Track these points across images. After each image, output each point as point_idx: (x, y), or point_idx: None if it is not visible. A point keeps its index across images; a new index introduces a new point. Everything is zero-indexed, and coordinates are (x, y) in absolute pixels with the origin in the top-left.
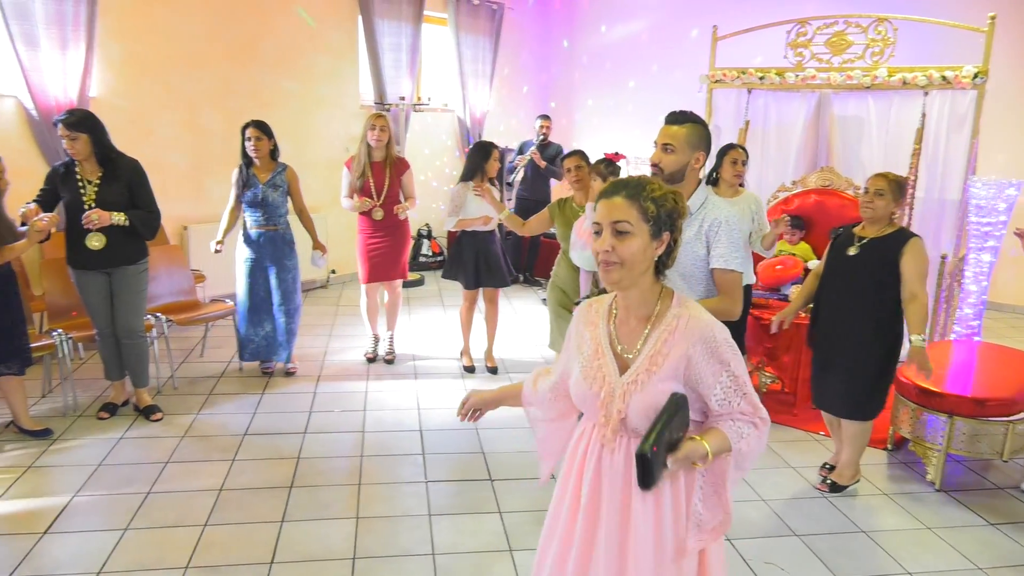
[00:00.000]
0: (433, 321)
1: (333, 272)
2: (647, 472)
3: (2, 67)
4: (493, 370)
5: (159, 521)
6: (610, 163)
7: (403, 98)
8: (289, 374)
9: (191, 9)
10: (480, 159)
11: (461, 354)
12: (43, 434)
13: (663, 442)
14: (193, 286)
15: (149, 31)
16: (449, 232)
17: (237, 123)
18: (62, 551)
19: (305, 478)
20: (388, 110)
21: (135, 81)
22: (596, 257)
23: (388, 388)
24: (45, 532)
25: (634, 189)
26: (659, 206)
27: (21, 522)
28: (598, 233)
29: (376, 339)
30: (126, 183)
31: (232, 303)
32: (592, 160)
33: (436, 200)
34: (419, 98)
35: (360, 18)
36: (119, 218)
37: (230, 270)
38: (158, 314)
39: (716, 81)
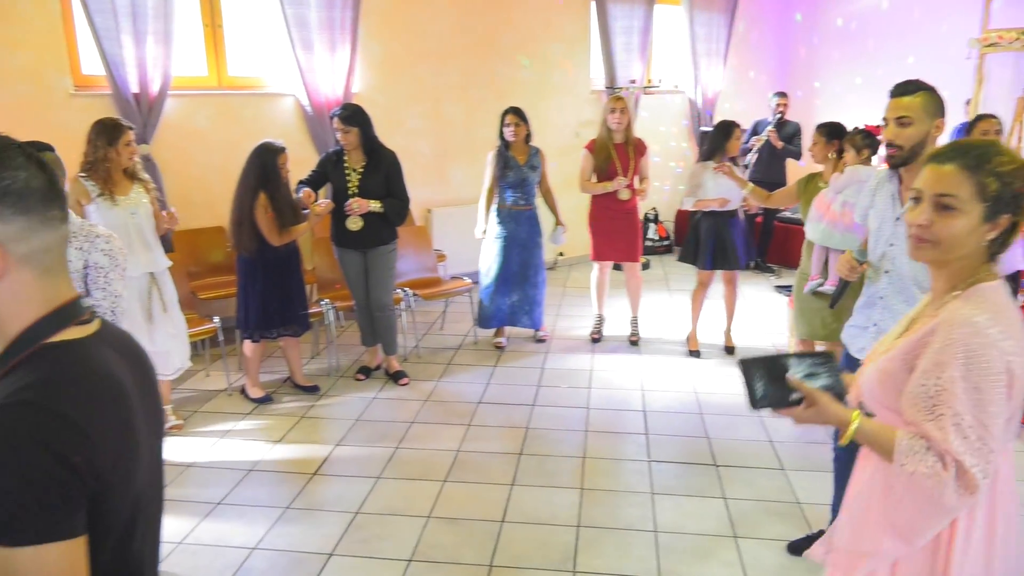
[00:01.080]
0: (659, 304)
1: (561, 255)
2: (747, 386)
3: (283, 70)
4: (730, 350)
5: (406, 473)
6: (868, 135)
7: (633, 81)
8: (540, 341)
9: (440, 8)
10: (721, 138)
11: (688, 338)
12: (312, 390)
13: (778, 374)
14: (436, 264)
15: (403, 31)
16: (684, 213)
17: (477, 113)
18: (328, 491)
19: (533, 447)
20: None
21: (390, 77)
22: (908, 228)
23: (613, 368)
24: (314, 473)
25: (975, 158)
26: (1004, 183)
27: (296, 463)
28: (916, 200)
29: (601, 319)
30: (385, 173)
31: (470, 280)
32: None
33: (665, 183)
34: (649, 80)
35: (593, 3)
36: (375, 205)
37: (468, 250)
38: (405, 289)
39: (989, 45)
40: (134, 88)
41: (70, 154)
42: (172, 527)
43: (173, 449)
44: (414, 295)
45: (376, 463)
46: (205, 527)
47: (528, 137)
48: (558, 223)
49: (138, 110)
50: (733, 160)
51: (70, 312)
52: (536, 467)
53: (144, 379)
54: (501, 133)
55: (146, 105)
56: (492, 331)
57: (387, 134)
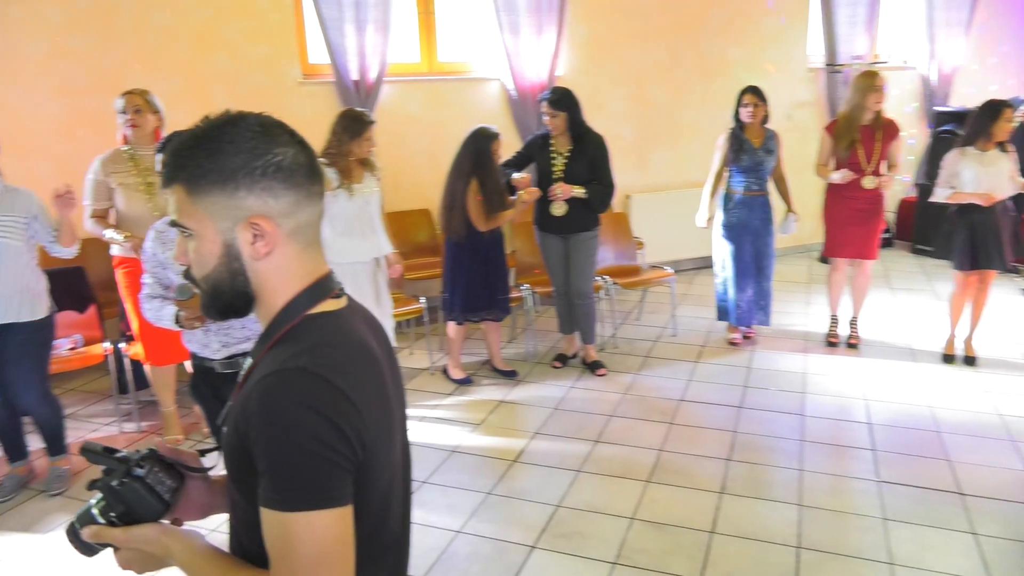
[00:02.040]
0: (880, 304)
1: None
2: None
3: (490, 55)
4: (970, 360)
5: (606, 470)
6: None
7: (859, 57)
8: (745, 338)
9: None
10: (987, 119)
11: (947, 342)
12: (511, 374)
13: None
14: (635, 252)
15: (610, 10)
16: (908, 203)
17: (681, 95)
18: (528, 480)
19: (742, 453)
20: (839, 71)
21: (594, 59)
22: None
23: (829, 372)
24: (515, 460)
25: None
26: None
27: (496, 449)
28: None
29: (835, 320)
30: (591, 158)
31: (671, 271)
32: None
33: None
34: (876, 56)
35: None
36: (579, 191)
37: (667, 238)
38: (605, 277)
39: None
40: (354, 75)
41: None
42: None
43: None
44: (613, 283)
45: (575, 456)
46: (413, 504)
47: (766, 119)
48: (790, 211)
49: (357, 96)
50: (1002, 146)
51: (326, 285)
52: (747, 476)
53: (389, 352)
54: (736, 114)
55: (364, 91)
56: (726, 326)
57: (588, 118)
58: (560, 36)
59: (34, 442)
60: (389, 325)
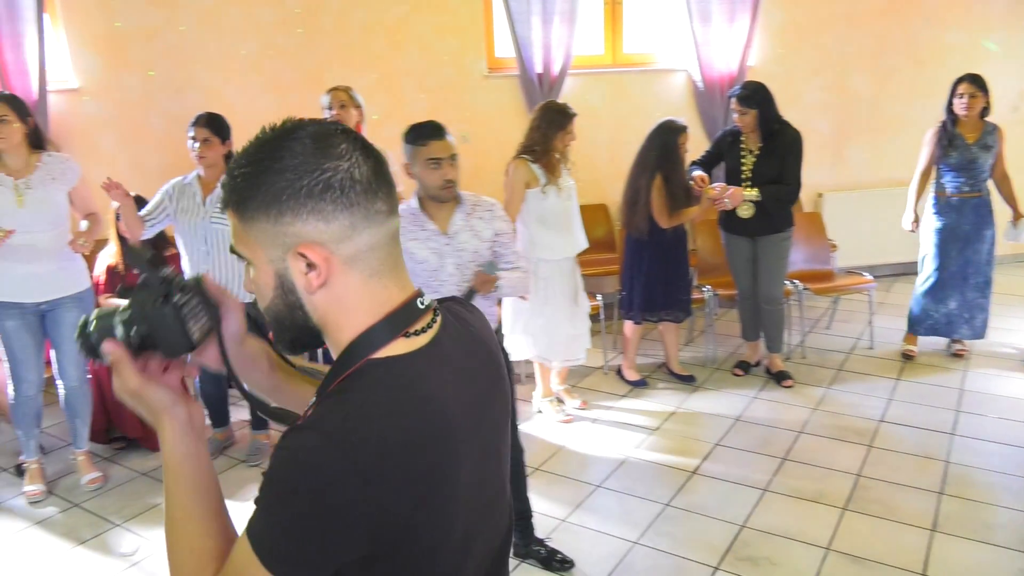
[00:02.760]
0: None
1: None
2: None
3: (676, 45)
4: None
5: (796, 491)
6: None
7: None
8: (956, 355)
9: None
10: None
11: None
12: (688, 379)
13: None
14: (829, 255)
15: None
16: None
17: (888, 85)
18: (709, 495)
19: (958, 487)
20: None
21: (790, 47)
22: None
23: None
24: (694, 472)
25: None
26: None
27: (674, 458)
28: None
29: None
30: (781, 155)
31: (870, 277)
32: None
33: None
34: None
35: None
36: (751, 194)
37: (863, 241)
38: (795, 281)
39: None
40: (538, 68)
41: (480, 131)
42: (553, 504)
43: (551, 424)
44: (804, 288)
45: (761, 472)
46: (586, 510)
47: (985, 111)
48: (1018, 216)
49: (540, 89)
50: None
51: (400, 319)
52: (963, 514)
53: (492, 383)
54: (949, 105)
55: (547, 84)
56: (905, 334)
57: (781, 110)
58: (754, 23)
59: (237, 413)
60: (585, 325)
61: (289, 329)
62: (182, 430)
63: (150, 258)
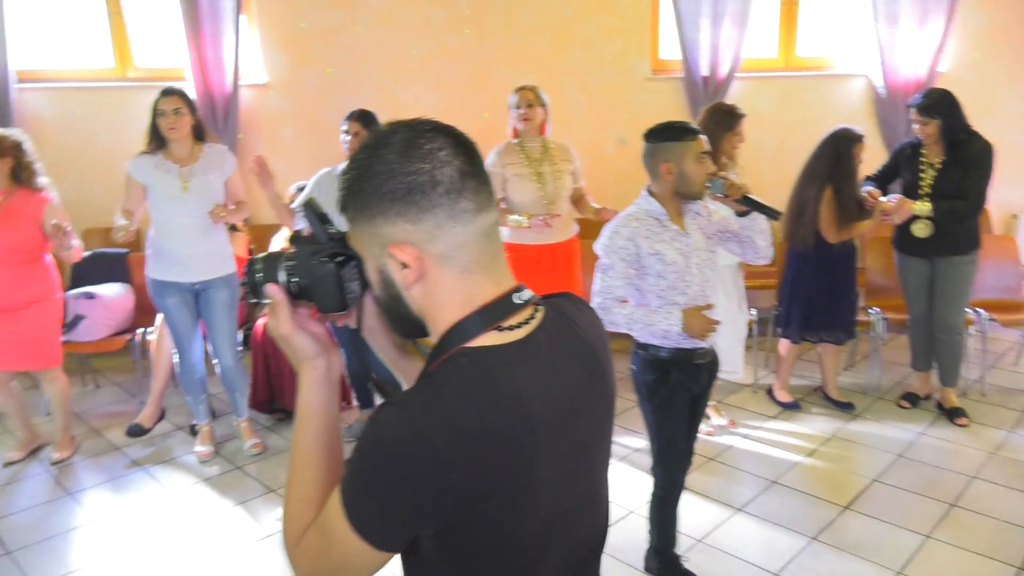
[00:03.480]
0: None
1: None
2: None
3: (857, 48)
4: None
5: (964, 542)
6: None
7: None
8: None
9: None
10: None
11: None
12: (846, 407)
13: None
14: (1020, 283)
15: None
16: None
17: None
18: (862, 534)
19: None
20: None
21: (989, 52)
22: None
23: None
24: (846, 507)
25: None
26: None
27: (825, 488)
28: None
29: None
30: (965, 168)
31: None
32: None
33: None
34: None
35: None
36: (921, 208)
37: None
38: (979, 309)
39: None
40: (704, 71)
41: (639, 134)
42: (694, 521)
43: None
44: (990, 319)
45: (924, 517)
46: (726, 530)
47: None
48: None
49: (704, 93)
50: None
51: (493, 313)
52: None
53: (590, 385)
54: None
55: (713, 88)
56: None
57: (973, 121)
58: (949, 25)
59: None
60: (741, 334)
61: (396, 319)
62: (319, 381)
63: (322, 214)
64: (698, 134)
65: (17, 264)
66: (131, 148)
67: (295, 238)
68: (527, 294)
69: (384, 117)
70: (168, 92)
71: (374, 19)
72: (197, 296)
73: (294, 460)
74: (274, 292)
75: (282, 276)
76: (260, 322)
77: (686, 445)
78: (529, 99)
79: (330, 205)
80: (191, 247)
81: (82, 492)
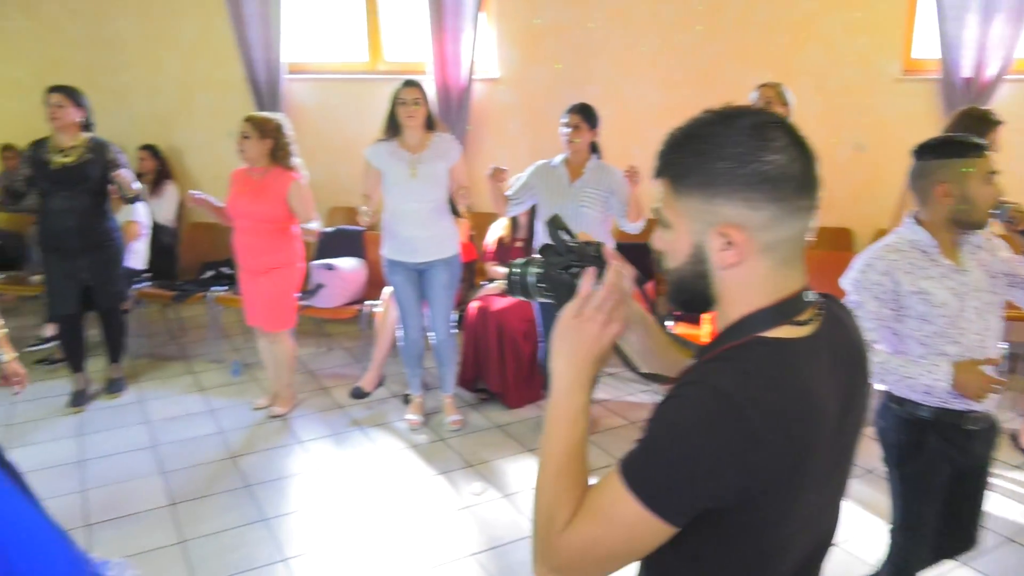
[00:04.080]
0: None
1: None
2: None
3: None
4: None
5: None
6: None
7: None
8: None
9: None
10: None
11: None
12: None
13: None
14: None
15: None
16: None
17: None
18: None
19: None
20: None
21: None
22: None
23: None
24: None
25: None
26: None
27: None
28: None
29: None
30: None
31: None
32: None
33: None
34: None
35: None
36: None
37: None
38: None
39: None
40: (966, 72)
41: (882, 140)
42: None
43: None
44: None
45: None
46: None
47: None
48: None
49: (966, 95)
50: None
51: (789, 308)
52: None
53: (856, 389)
54: None
55: (975, 91)
56: None
57: None
58: None
59: None
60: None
61: (687, 292)
62: (590, 382)
63: (564, 227)
64: (984, 149)
65: (265, 233)
66: (374, 135)
67: (544, 247)
68: (812, 293)
69: (609, 113)
70: (409, 83)
71: (605, 15)
72: (421, 275)
73: (559, 454)
74: (586, 284)
75: (531, 278)
76: (473, 305)
77: (944, 525)
78: (769, 96)
79: (545, 194)
80: (418, 229)
81: (310, 442)
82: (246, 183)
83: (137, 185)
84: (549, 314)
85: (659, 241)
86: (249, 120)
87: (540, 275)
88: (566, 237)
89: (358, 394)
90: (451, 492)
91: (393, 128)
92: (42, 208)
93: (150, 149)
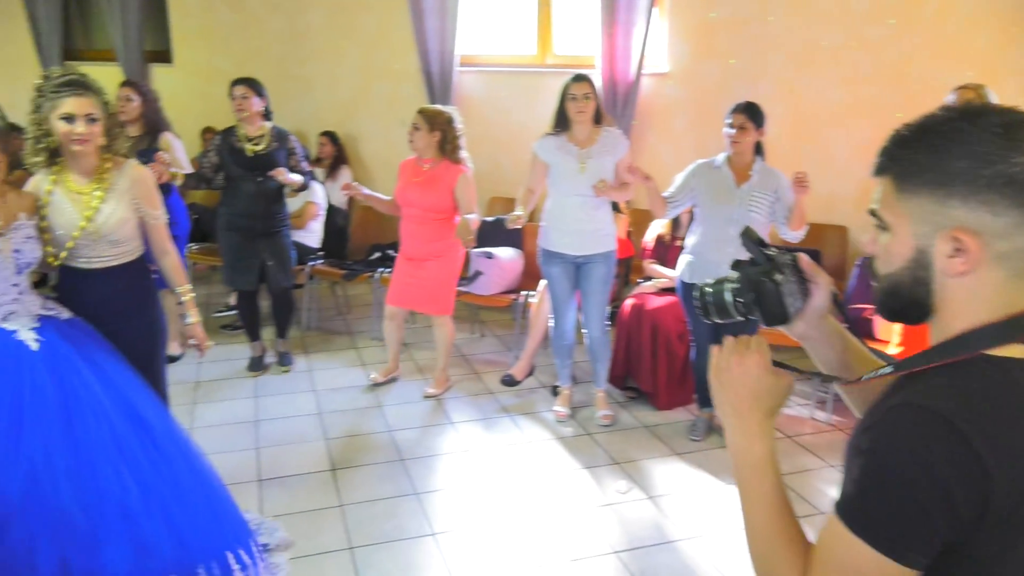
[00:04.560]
0: None
1: None
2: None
3: None
4: None
5: None
6: None
7: None
8: None
9: None
10: None
11: None
12: None
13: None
14: None
15: None
16: None
17: None
18: None
19: None
20: None
21: None
22: None
23: None
24: None
25: None
26: None
27: None
28: None
29: None
30: None
31: None
32: None
33: None
34: None
35: None
36: None
37: None
38: None
39: None
40: None
41: None
42: None
43: None
44: None
45: None
46: None
47: None
48: None
49: None
50: None
51: (1020, 325)
52: None
53: None
54: None
55: None
56: None
57: None
58: None
59: None
60: None
61: (901, 299)
62: (764, 429)
63: (757, 239)
64: None
65: (430, 222)
66: (539, 128)
67: (737, 263)
68: None
69: (780, 112)
70: (579, 78)
71: (786, 8)
72: (578, 268)
73: (760, 512)
74: (760, 336)
75: (728, 296)
76: (628, 303)
77: None
78: (969, 100)
79: (708, 196)
80: (579, 223)
81: (460, 424)
82: (416, 173)
83: (297, 177)
84: (694, 317)
85: (872, 243)
86: (421, 112)
87: (738, 289)
88: (766, 250)
89: (509, 382)
90: (595, 487)
91: (562, 122)
92: (232, 191)
93: (329, 135)
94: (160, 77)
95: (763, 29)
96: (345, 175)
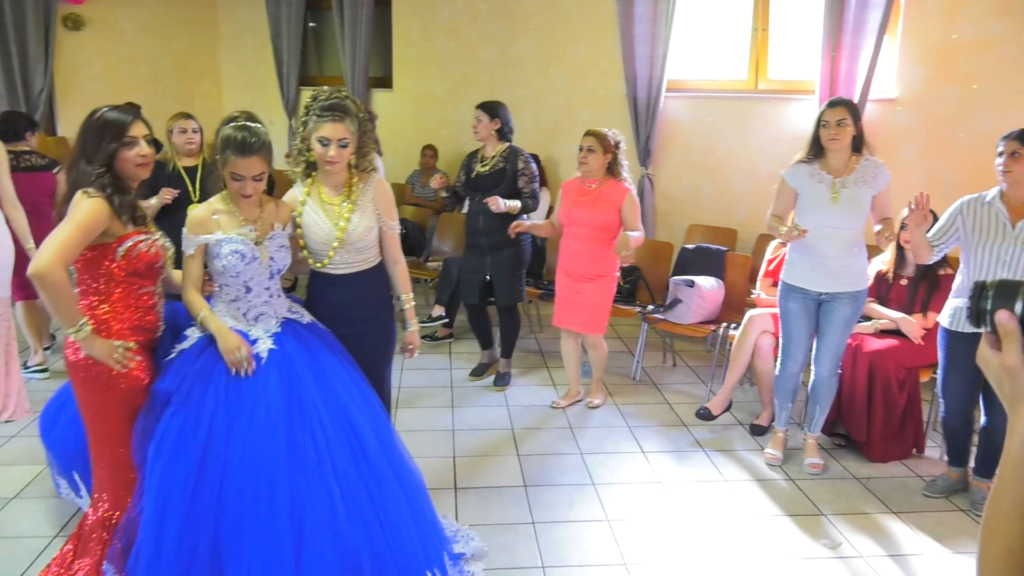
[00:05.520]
0: None
1: None
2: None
3: None
4: None
5: None
6: None
7: None
8: None
9: None
10: None
11: None
12: None
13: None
14: None
15: None
16: None
17: None
18: None
19: None
20: None
21: None
22: None
23: None
24: None
25: None
26: None
27: None
28: None
29: None
30: None
31: None
32: None
33: None
34: None
35: None
36: None
37: None
38: None
39: None
40: None
41: None
42: None
43: None
44: None
45: None
46: None
47: None
48: None
49: None
50: None
51: None
52: None
53: None
54: None
55: None
56: None
57: None
58: None
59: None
60: None
61: None
62: None
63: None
64: None
65: (595, 241)
66: (748, 155)
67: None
68: None
69: None
70: (834, 103)
71: None
72: (820, 306)
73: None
74: (1007, 320)
75: (1019, 305)
76: None
77: None
78: None
79: (975, 235)
80: (829, 258)
81: (652, 454)
82: (581, 192)
83: (508, 204)
84: (950, 370)
85: None
86: (594, 135)
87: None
88: None
89: (705, 415)
90: (798, 537)
91: (816, 149)
92: (469, 209)
93: (533, 158)
94: (380, 100)
95: (1016, 51)
96: (544, 198)
